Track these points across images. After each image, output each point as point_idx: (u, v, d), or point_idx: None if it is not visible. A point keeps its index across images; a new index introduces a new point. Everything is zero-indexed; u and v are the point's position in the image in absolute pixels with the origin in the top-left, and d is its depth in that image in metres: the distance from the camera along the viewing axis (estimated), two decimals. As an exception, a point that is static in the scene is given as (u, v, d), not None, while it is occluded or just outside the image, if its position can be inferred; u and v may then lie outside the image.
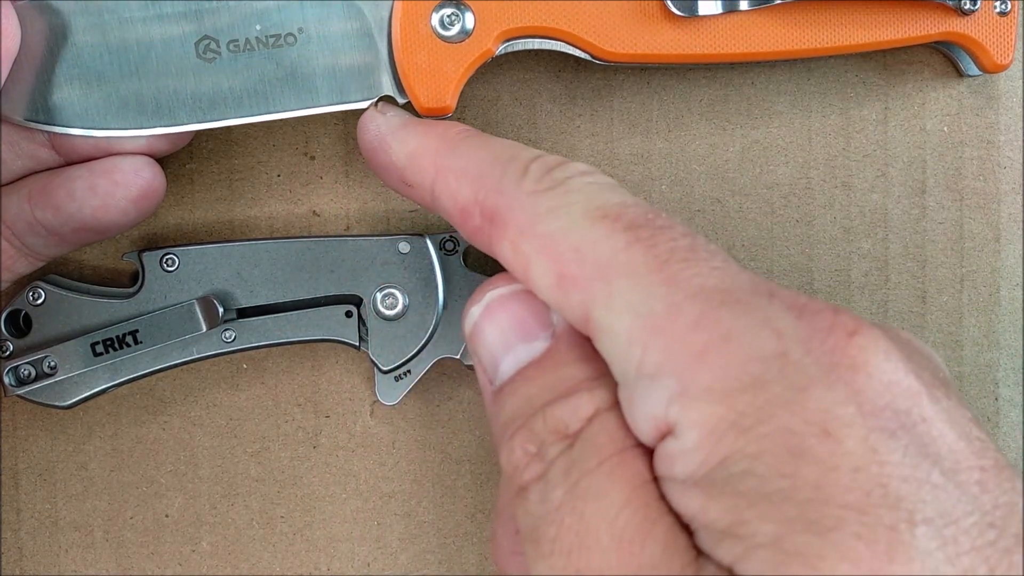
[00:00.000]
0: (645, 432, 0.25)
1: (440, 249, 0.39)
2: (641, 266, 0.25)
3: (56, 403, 0.38)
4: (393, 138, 0.32)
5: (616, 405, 0.26)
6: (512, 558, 0.28)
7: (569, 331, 0.28)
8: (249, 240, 0.39)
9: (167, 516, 0.41)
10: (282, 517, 0.41)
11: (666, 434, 0.24)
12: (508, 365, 0.28)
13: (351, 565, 0.41)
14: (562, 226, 0.27)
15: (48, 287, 0.38)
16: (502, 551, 0.29)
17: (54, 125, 0.35)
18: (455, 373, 0.41)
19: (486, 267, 0.40)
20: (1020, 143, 0.41)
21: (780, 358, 0.23)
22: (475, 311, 0.29)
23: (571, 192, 0.27)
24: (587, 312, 0.26)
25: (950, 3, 0.36)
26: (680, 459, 0.23)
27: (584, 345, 0.27)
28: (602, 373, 0.26)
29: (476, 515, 0.41)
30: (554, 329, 0.28)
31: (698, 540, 0.23)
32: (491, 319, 0.28)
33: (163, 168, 0.36)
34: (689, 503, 0.23)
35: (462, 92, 0.36)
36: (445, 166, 0.30)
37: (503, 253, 0.28)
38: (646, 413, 0.24)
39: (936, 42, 0.38)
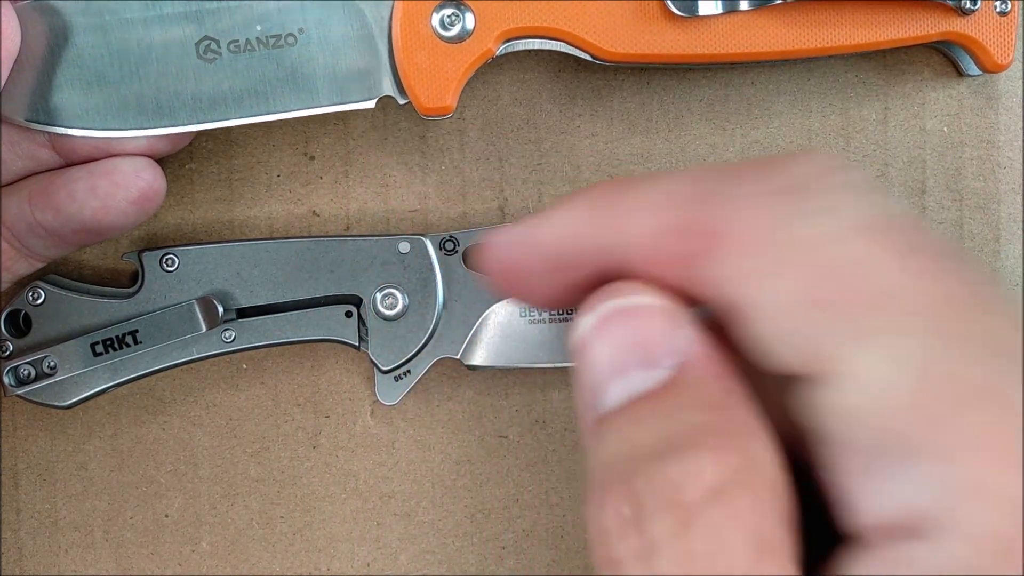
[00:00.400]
0: (871, 520, 0.19)
1: (440, 249, 0.39)
2: (930, 306, 0.19)
3: (56, 403, 0.38)
4: (541, 222, 0.24)
5: (754, 474, 0.20)
6: None
7: (704, 364, 0.22)
8: (249, 240, 0.39)
9: (167, 516, 0.41)
10: (282, 517, 0.41)
11: (910, 532, 0.18)
12: (618, 393, 0.22)
13: (351, 565, 0.41)
14: (823, 233, 0.20)
15: (48, 287, 0.38)
16: None
17: (55, 126, 0.35)
18: (455, 373, 0.41)
19: (486, 267, 0.40)
20: (1020, 143, 0.41)
21: None
22: (586, 322, 0.23)
23: (833, 191, 0.21)
24: (829, 348, 0.20)
25: (950, 3, 0.36)
26: (931, 570, 0.18)
27: (722, 385, 0.21)
28: (741, 428, 0.20)
29: (476, 515, 0.41)
30: (683, 359, 0.22)
31: None
32: (606, 334, 0.23)
33: (163, 168, 0.36)
34: None
35: (462, 93, 0.36)
36: (627, 206, 0.23)
37: (717, 274, 0.21)
38: (888, 498, 0.19)
39: (936, 42, 0.38)
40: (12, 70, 0.34)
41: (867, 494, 0.19)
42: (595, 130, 0.41)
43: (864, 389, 0.19)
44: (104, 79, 0.35)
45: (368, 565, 0.41)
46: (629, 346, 0.22)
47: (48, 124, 0.35)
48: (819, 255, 0.20)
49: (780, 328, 0.20)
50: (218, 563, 0.41)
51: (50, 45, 0.34)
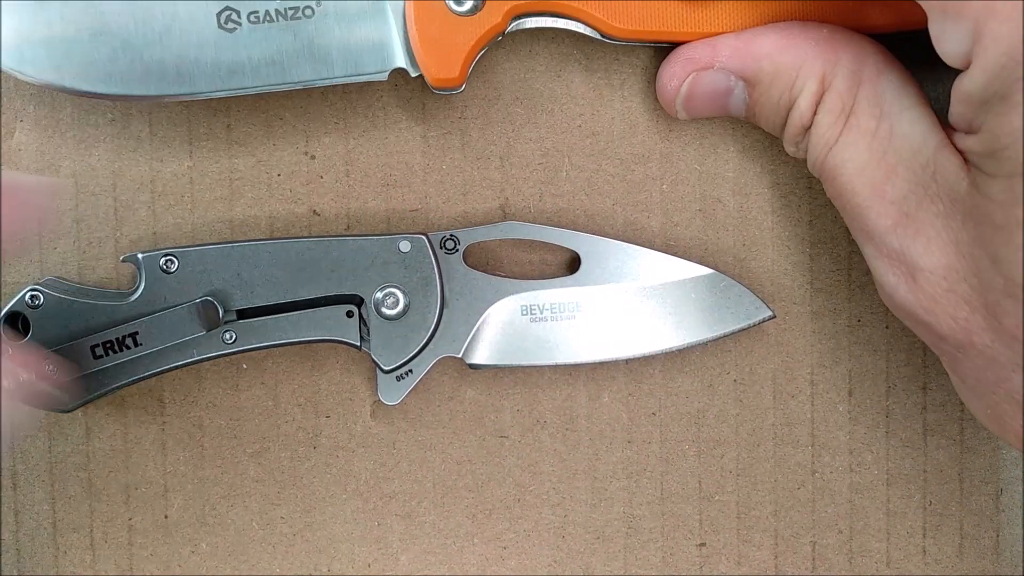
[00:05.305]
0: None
1: (440, 248, 0.39)
2: None
3: (57, 407, 0.37)
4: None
5: None
6: None
7: None
8: (249, 241, 0.39)
9: (167, 517, 0.41)
10: (282, 518, 0.41)
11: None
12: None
13: (351, 566, 0.41)
14: None
15: (46, 291, 0.38)
16: None
17: (79, 88, 0.36)
18: (456, 372, 0.41)
19: (486, 266, 0.40)
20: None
21: None
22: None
23: None
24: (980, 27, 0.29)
25: None
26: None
27: None
28: None
29: (477, 515, 0.41)
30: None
31: None
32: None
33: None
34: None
35: (464, 90, 0.36)
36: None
37: None
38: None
39: None
40: (35, 30, 0.34)
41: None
42: (596, 129, 0.40)
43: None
44: (128, 45, 0.36)
45: (369, 566, 0.41)
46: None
47: (72, 87, 0.36)
48: None
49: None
50: (218, 564, 0.41)
51: (75, 9, 0.35)
